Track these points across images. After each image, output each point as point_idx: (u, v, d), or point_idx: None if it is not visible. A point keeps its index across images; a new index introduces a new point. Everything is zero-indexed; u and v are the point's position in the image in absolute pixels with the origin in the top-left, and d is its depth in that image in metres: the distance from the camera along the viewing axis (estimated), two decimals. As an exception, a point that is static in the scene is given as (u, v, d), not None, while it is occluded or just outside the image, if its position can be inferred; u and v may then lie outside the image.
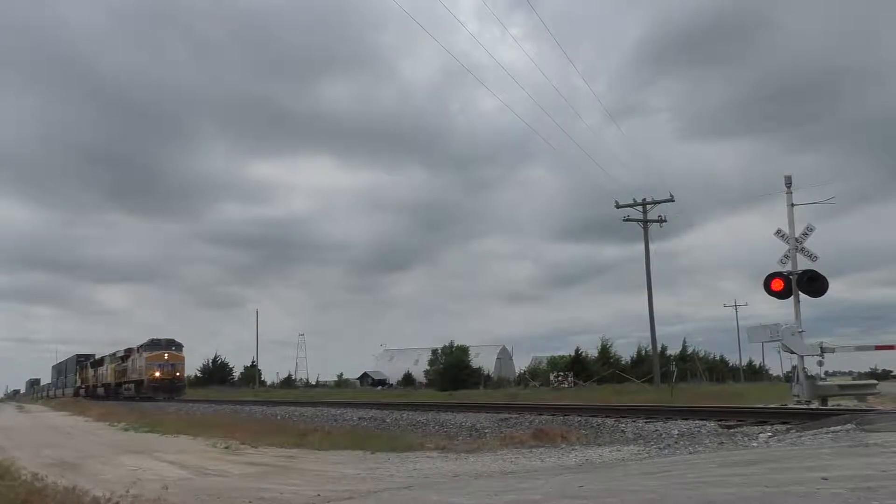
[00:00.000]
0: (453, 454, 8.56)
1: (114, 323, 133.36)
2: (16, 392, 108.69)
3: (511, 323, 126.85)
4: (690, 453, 7.33)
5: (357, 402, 23.59)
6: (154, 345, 41.24)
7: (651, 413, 11.88)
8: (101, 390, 50.43)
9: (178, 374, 40.88)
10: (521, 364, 68.51)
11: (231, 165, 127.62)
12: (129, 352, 44.96)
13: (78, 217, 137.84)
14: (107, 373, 49.18)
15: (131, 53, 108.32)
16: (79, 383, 57.69)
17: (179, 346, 42.13)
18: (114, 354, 48.44)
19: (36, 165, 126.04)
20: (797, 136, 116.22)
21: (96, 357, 54.33)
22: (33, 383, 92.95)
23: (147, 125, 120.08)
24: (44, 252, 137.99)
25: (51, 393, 71.08)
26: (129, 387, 42.74)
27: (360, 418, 15.15)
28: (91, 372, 54.16)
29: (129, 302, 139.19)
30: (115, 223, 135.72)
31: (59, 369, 68.98)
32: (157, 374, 39.44)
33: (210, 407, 25.48)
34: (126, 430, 15.94)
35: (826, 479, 4.15)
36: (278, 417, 17.59)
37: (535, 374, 53.80)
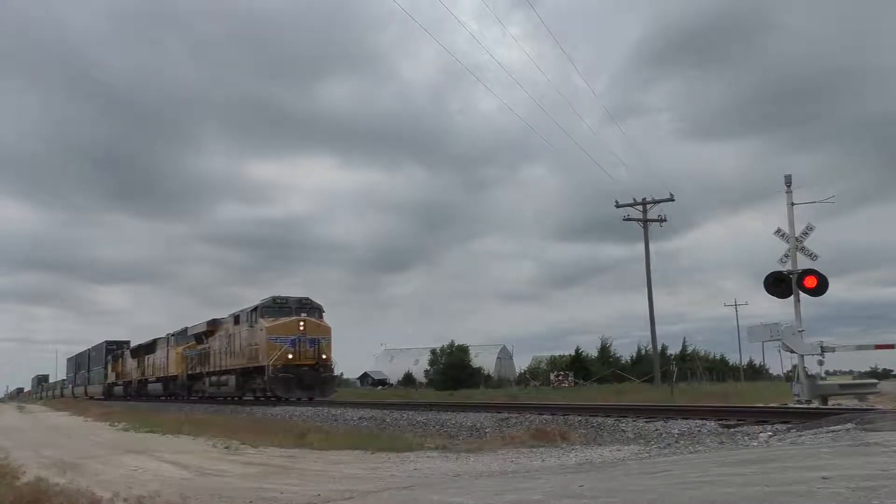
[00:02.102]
0: (454, 454, 8.55)
1: (114, 323, 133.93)
2: (19, 391, 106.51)
3: (511, 323, 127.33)
4: (691, 453, 7.33)
5: (357, 401, 23.42)
6: (279, 307, 24.46)
7: (651, 413, 11.87)
8: (156, 386, 36.69)
9: (324, 356, 24.08)
10: (521, 364, 68.62)
11: (231, 166, 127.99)
12: (215, 325, 29.21)
13: (78, 217, 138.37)
14: (167, 361, 34.96)
15: (132, 54, 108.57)
16: (112, 378, 45.83)
17: (319, 310, 25.21)
18: (182, 332, 33.40)
19: (37, 166, 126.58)
20: (797, 136, 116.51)
21: (141, 343, 40.82)
22: (41, 380, 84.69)
23: (147, 126, 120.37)
24: (44, 252, 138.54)
25: (66, 391, 59.99)
26: (223, 380, 27.64)
27: (360, 418, 15.14)
28: (132, 363, 41.68)
29: (130, 302, 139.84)
30: (115, 224, 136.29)
31: (79, 362, 56.77)
32: (290, 355, 23.24)
33: (210, 407, 25.47)
34: (126, 430, 15.93)
35: (826, 479, 4.15)
36: (278, 417, 17.59)
37: (535, 374, 53.83)
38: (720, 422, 9.91)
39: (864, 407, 11.45)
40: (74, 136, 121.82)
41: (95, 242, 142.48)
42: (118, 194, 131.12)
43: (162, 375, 35.91)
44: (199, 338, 30.93)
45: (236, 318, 27.07)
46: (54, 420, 23.73)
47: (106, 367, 47.28)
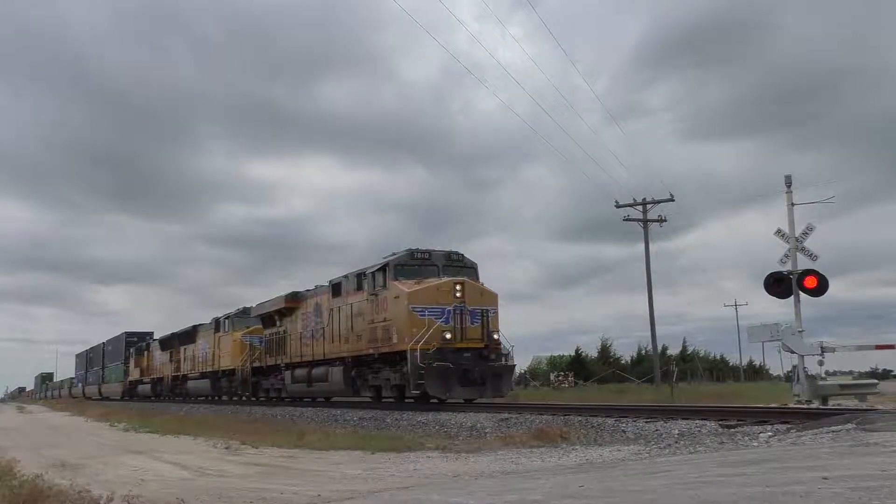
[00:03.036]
0: (454, 454, 8.56)
1: (115, 323, 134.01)
2: (21, 390, 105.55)
3: (511, 323, 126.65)
4: (691, 453, 7.33)
5: (357, 401, 23.14)
6: (420, 264, 16.50)
7: (651, 413, 11.86)
8: (199, 384, 30.01)
9: (494, 335, 15.94)
10: (521, 364, 68.56)
11: (231, 166, 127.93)
12: (297, 299, 21.69)
13: (78, 217, 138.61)
14: (215, 352, 28.05)
15: (132, 54, 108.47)
16: (135, 375, 39.67)
17: (475, 270, 17.17)
18: (241, 313, 26.95)
19: (36, 166, 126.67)
20: (797, 136, 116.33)
21: (175, 331, 34.32)
22: (45, 379, 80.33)
23: (147, 126, 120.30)
24: (44, 252, 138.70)
25: (74, 391, 55.27)
26: (319, 374, 19.53)
27: (360, 418, 15.13)
28: (163, 357, 35.56)
29: (130, 302, 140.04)
30: (115, 224, 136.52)
31: (91, 358, 50.75)
32: (448, 335, 15.22)
33: (210, 407, 25.46)
34: (126, 430, 15.95)
35: (826, 479, 4.15)
36: (278, 417, 17.59)
37: (535, 374, 53.79)
38: (720, 422, 9.90)
39: (865, 407, 11.46)
40: (74, 135, 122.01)
41: (95, 242, 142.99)
42: (118, 194, 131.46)
43: (208, 370, 28.82)
44: (270, 319, 23.49)
45: (336, 288, 18.94)
46: (54, 420, 23.74)
47: (127, 363, 40.76)
